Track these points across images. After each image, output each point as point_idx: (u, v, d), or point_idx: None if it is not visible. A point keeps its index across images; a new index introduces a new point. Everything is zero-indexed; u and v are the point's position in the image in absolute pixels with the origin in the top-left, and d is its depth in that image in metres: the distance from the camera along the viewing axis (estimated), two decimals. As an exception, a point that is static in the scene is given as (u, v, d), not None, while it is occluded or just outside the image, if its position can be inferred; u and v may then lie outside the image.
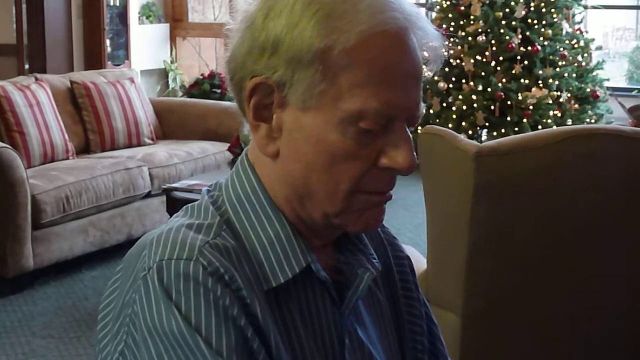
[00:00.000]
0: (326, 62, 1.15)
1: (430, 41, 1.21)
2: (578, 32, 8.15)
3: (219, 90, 8.92)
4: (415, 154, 1.20)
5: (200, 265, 1.13)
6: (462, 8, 7.99)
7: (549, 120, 7.58)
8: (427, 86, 7.90)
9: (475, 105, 7.72)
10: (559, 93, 7.76)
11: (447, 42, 8.10)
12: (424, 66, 1.22)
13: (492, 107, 7.69)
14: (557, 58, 7.84)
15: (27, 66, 8.15)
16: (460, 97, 7.80)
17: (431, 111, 7.92)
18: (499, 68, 7.76)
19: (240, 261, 1.17)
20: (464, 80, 7.90)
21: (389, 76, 1.16)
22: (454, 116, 7.80)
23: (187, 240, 1.16)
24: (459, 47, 7.91)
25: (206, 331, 1.10)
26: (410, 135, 1.21)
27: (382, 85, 1.16)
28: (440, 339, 1.47)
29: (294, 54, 1.16)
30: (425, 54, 1.22)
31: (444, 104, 7.96)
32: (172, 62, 9.65)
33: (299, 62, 1.16)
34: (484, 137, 7.88)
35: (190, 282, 1.12)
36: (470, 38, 7.88)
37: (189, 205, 1.27)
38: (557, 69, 7.82)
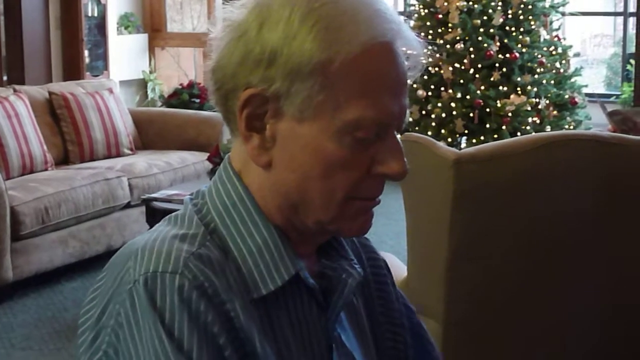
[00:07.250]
0: (326, 73, 1.16)
1: (412, 49, 1.23)
2: (556, 39, 8.20)
3: (198, 100, 8.90)
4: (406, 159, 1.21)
5: (185, 279, 1.13)
6: (440, 16, 8.02)
7: (528, 127, 7.61)
8: (406, 94, 7.93)
9: (454, 112, 7.74)
10: (537, 100, 7.80)
11: (425, 50, 8.25)
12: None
13: (471, 115, 7.71)
14: (535, 65, 7.88)
15: (5, 77, 8.11)
16: (439, 104, 7.82)
17: (410, 119, 7.93)
18: (477, 75, 7.79)
19: (224, 272, 1.17)
20: (442, 88, 7.93)
21: (384, 85, 1.18)
22: (433, 124, 7.82)
23: (172, 252, 1.15)
24: (438, 55, 7.93)
25: (187, 346, 1.10)
26: (401, 142, 1.22)
27: (378, 94, 1.17)
28: (426, 335, 1.47)
29: (292, 66, 1.16)
30: (408, 61, 1.23)
31: (423, 112, 7.98)
32: (151, 72, 9.63)
33: (298, 74, 1.16)
34: (463, 145, 7.90)
35: (174, 296, 1.12)
36: (448, 46, 7.91)
37: (172, 215, 1.26)
38: (536, 76, 7.86)
